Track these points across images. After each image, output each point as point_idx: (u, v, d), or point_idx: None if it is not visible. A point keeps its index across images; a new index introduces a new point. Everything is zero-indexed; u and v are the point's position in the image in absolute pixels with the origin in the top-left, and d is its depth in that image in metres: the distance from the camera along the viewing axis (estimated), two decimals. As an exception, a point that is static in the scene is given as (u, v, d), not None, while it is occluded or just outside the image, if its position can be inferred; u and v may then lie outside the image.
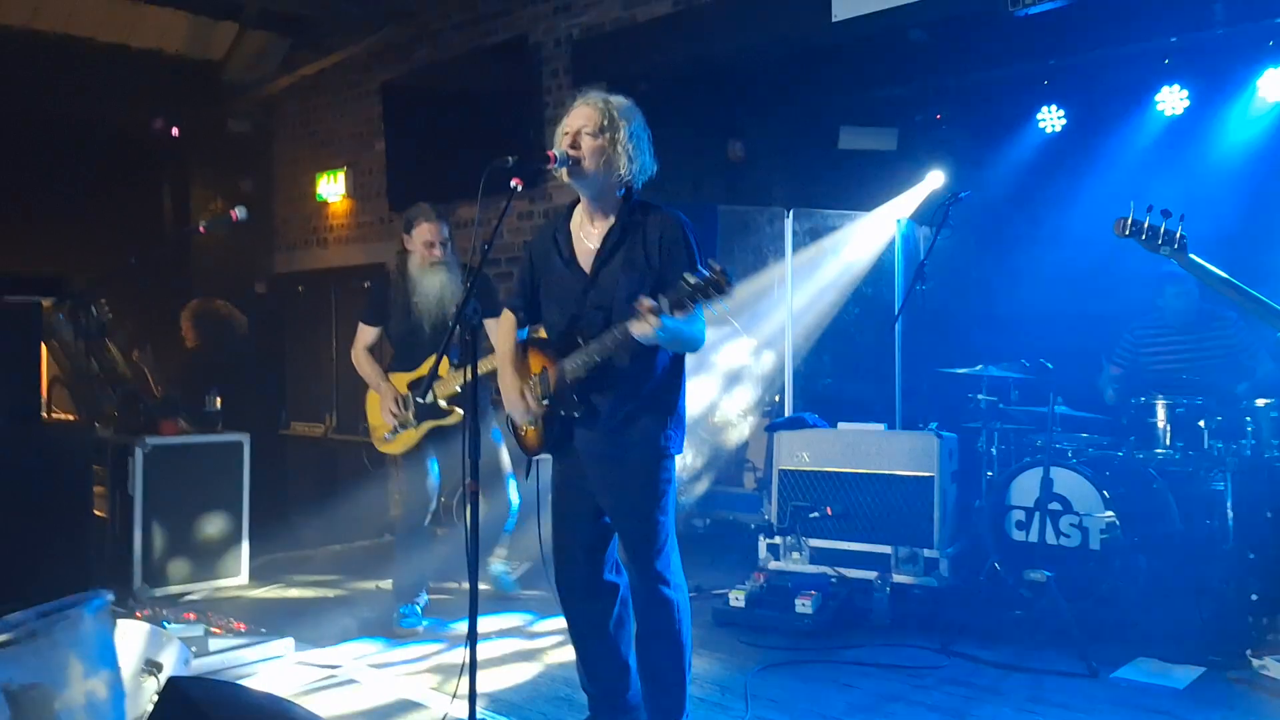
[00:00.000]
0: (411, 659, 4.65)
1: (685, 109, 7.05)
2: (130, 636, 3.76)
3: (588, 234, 3.37)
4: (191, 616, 4.56)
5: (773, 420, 6.31)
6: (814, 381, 7.11)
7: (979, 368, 5.60)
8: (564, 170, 3.25)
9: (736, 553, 6.28)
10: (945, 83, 6.89)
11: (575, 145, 3.24)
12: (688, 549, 3.52)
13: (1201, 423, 5.04)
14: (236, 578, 5.91)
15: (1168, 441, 5.14)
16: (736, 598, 5.08)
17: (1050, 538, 5.08)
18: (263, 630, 4.60)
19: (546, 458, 3.55)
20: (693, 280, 2.92)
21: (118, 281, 6.14)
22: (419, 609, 5.18)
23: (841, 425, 5.80)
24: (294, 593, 5.91)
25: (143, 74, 9.04)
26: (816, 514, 5.53)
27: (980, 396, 5.87)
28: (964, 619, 4.89)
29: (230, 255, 9.80)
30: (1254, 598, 4.59)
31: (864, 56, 6.47)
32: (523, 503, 5.49)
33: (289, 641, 4.61)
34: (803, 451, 5.66)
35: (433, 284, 5.04)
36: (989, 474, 5.82)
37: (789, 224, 7.01)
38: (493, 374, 4.85)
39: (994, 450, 5.85)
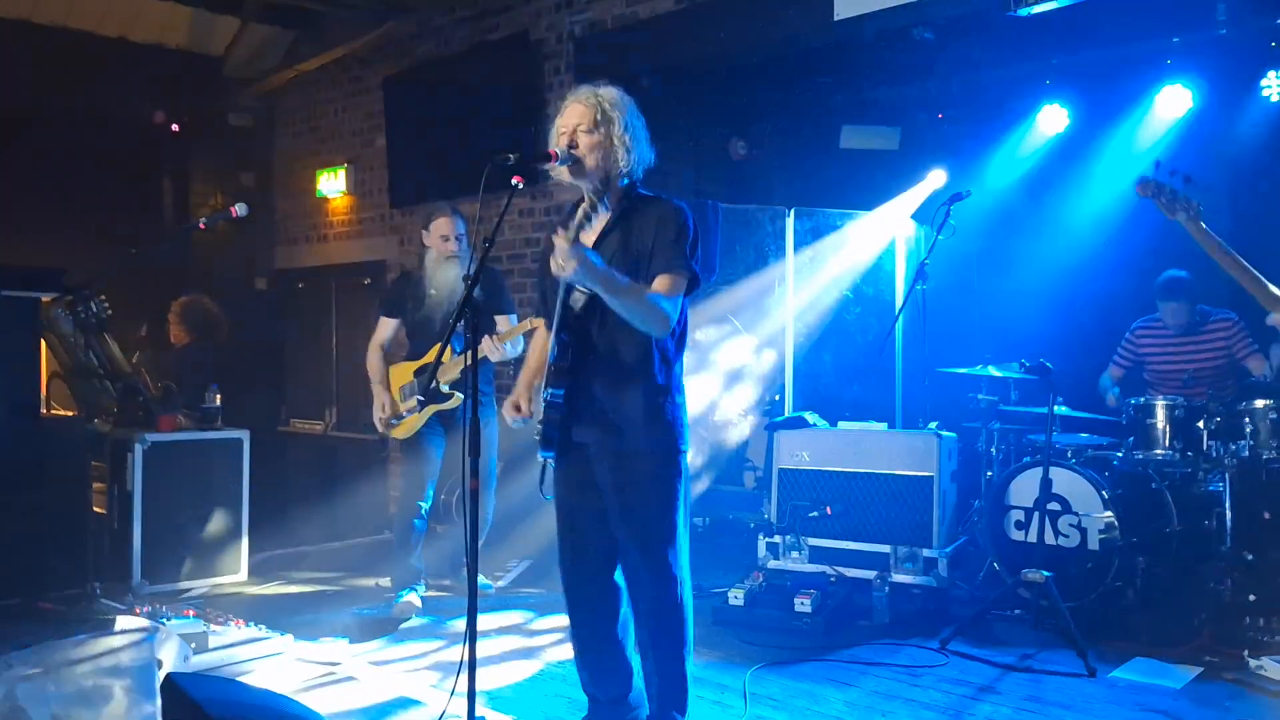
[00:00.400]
0: (410, 656, 4.66)
1: (687, 107, 7.05)
2: (129, 633, 3.76)
3: (590, 227, 3.38)
4: (190, 613, 4.55)
5: (773, 419, 6.31)
6: (814, 380, 7.11)
7: (979, 368, 5.61)
8: (565, 168, 3.26)
9: (736, 551, 6.29)
10: (947, 82, 6.89)
11: (573, 143, 3.25)
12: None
13: (1200, 424, 5.04)
14: (235, 574, 5.91)
15: (1166, 442, 5.14)
16: (736, 596, 5.09)
17: (1049, 538, 5.09)
18: (261, 627, 4.60)
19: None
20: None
21: (117, 277, 6.14)
22: (415, 591, 5.37)
23: (841, 424, 5.80)
24: (293, 589, 5.91)
25: (143, 68, 9.03)
26: (816, 513, 5.53)
27: (980, 396, 5.88)
28: (963, 618, 4.90)
29: (230, 251, 9.81)
30: (1251, 598, 4.60)
31: (866, 55, 6.47)
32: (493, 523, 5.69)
33: (288, 638, 4.61)
34: (803, 451, 5.66)
35: (447, 276, 5.29)
36: (988, 474, 5.83)
37: (790, 223, 7.01)
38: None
39: (993, 450, 5.85)
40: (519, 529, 5.95)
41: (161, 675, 3.58)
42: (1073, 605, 4.65)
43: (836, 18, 5.65)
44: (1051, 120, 6.71)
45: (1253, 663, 4.25)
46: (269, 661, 4.44)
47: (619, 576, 3.48)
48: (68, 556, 5.32)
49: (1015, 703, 4.04)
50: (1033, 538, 5.05)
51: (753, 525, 6.36)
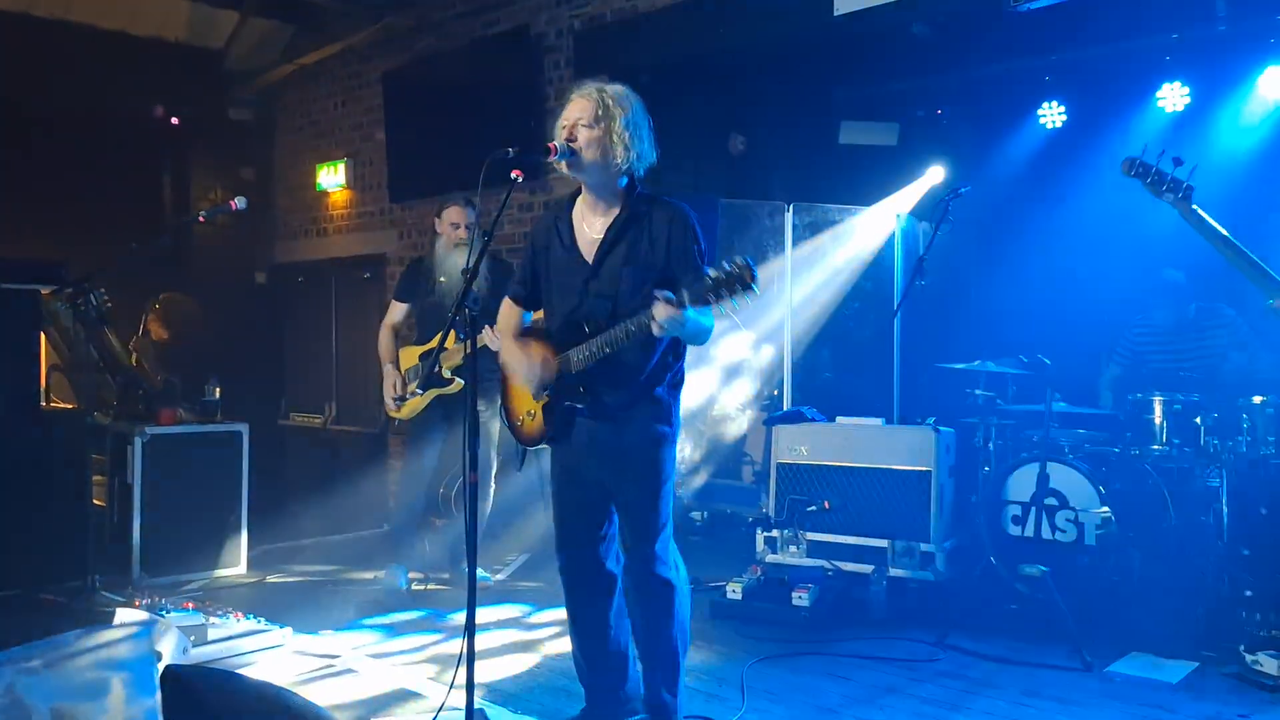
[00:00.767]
0: (409, 649, 4.67)
1: (687, 102, 7.04)
2: (129, 625, 3.77)
3: (590, 224, 3.39)
4: (190, 605, 4.57)
5: (771, 414, 6.32)
6: (813, 375, 7.11)
7: (977, 363, 5.61)
8: (564, 162, 3.27)
9: (734, 545, 6.29)
10: (946, 78, 6.89)
11: (573, 137, 3.25)
12: (685, 541, 3.54)
13: (1198, 419, 5.05)
14: (235, 567, 5.93)
15: (1164, 438, 5.15)
16: (733, 590, 5.10)
17: (1046, 533, 5.10)
18: (261, 619, 4.61)
19: (539, 449, 3.56)
20: (715, 274, 2.94)
21: (117, 270, 6.14)
22: (404, 571, 5.60)
23: (840, 419, 5.81)
24: (292, 582, 5.92)
25: (143, 61, 9.03)
26: (814, 507, 5.54)
27: (978, 392, 5.87)
28: (960, 613, 4.91)
29: (230, 244, 9.82)
30: (1248, 594, 4.60)
31: (865, 51, 6.47)
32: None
33: (287, 631, 4.63)
34: (801, 445, 5.67)
35: (455, 264, 5.43)
36: (986, 469, 5.83)
37: (789, 218, 7.01)
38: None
39: (991, 445, 5.85)
40: (518, 523, 5.97)
41: (161, 667, 3.60)
42: (1069, 600, 4.66)
43: (836, 13, 5.65)
44: (1050, 117, 6.72)
45: (1249, 658, 4.25)
46: (268, 654, 4.46)
47: (613, 565, 3.52)
48: (67, 549, 5.33)
49: (1012, 697, 4.05)
50: (1030, 533, 5.07)
51: (751, 519, 6.35)
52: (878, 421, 5.75)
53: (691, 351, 3.55)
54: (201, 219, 6.99)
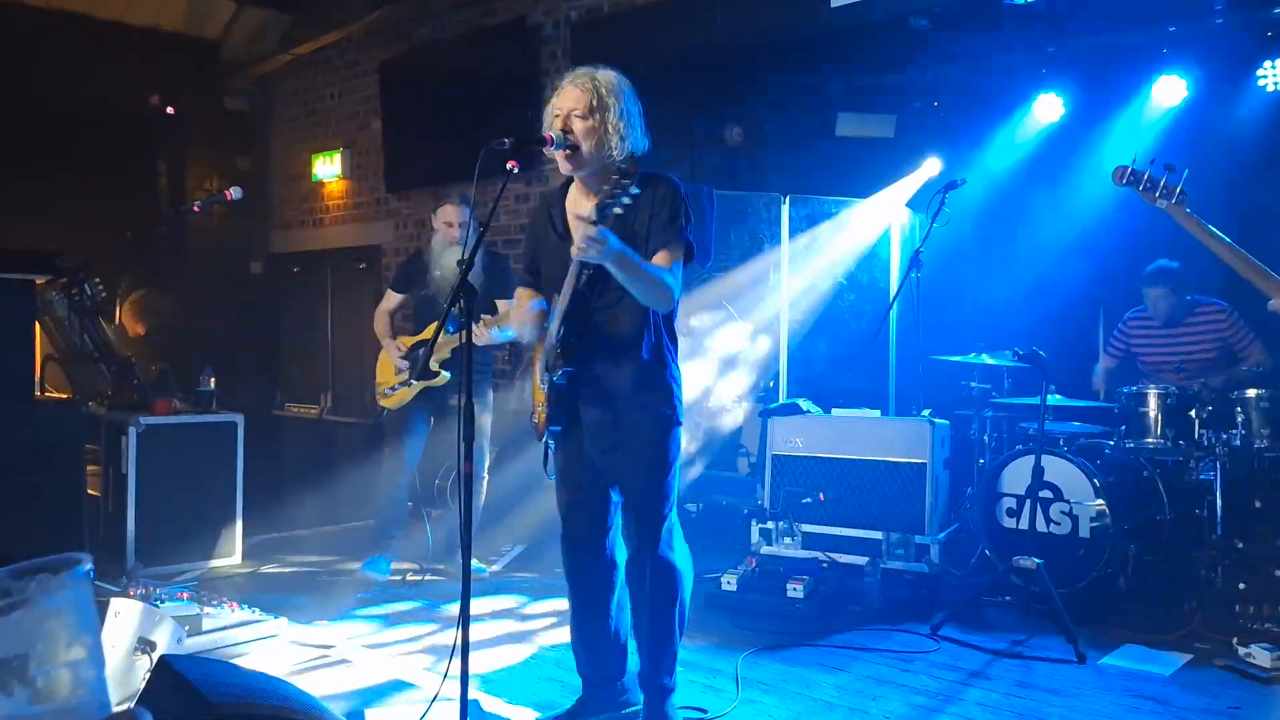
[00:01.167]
0: (404, 639, 4.67)
1: (684, 93, 7.04)
2: (123, 615, 3.77)
3: (582, 208, 3.38)
4: (185, 595, 4.56)
5: (767, 406, 6.32)
6: (808, 367, 7.11)
7: (973, 356, 5.62)
8: (559, 152, 3.26)
9: (729, 537, 6.30)
10: (943, 70, 6.88)
11: (568, 128, 3.24)
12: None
13: (1192, 412, 5.07)
14: (230, 557, 5.92)
15: (1158, 431, 5.16)
16: (728, 581, 5.11)
17: (1041, 525, 5.11)
18: (256, 610, 4.61)
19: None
20: (606, 184, 3.01)
21: (112, 259, 6.13)
22: (383, 562, 5.61)
23: (835, 411, 5.82)
24: (287, 572, 5.92)
25: (139, 51, 9.01)
26: (809, 499, 5.55)
27: (973, 384, 5.89)
28: (954, 604, 4.92)
29: (225, 234, 9.81)
30: (1241, 586, 4.62)
31: (862, 43, 6.46)
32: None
33: (282, 621, 4.63)
34: (796, 437, 5.68)
35: (450, 260, 5.50)
36: (981, 461, 5.85)
37: (785, 209, 7.01)
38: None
39: (986, 438, 5.87)
40: (514, 514, 5.97)
41: (155, 657, 3.60)
42: (1063, 592, 4.67)
43: (833, 4, 5.65)
44: (1047, 109, 6.71)
45: (1242, 650, 4.27)
46: (263, 644, 4.46)
47: (617, 554, 3.52)
48: (62, 539, 5.30)
49: (1005, 688, 4.07)
50: (1024, 525, 5.08)
51: (746, 511, 6.36)
52: (873, 413, 5.76)
53: (687, 342, 3.56)
54: (197, 209, 6.96)
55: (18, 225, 7.82)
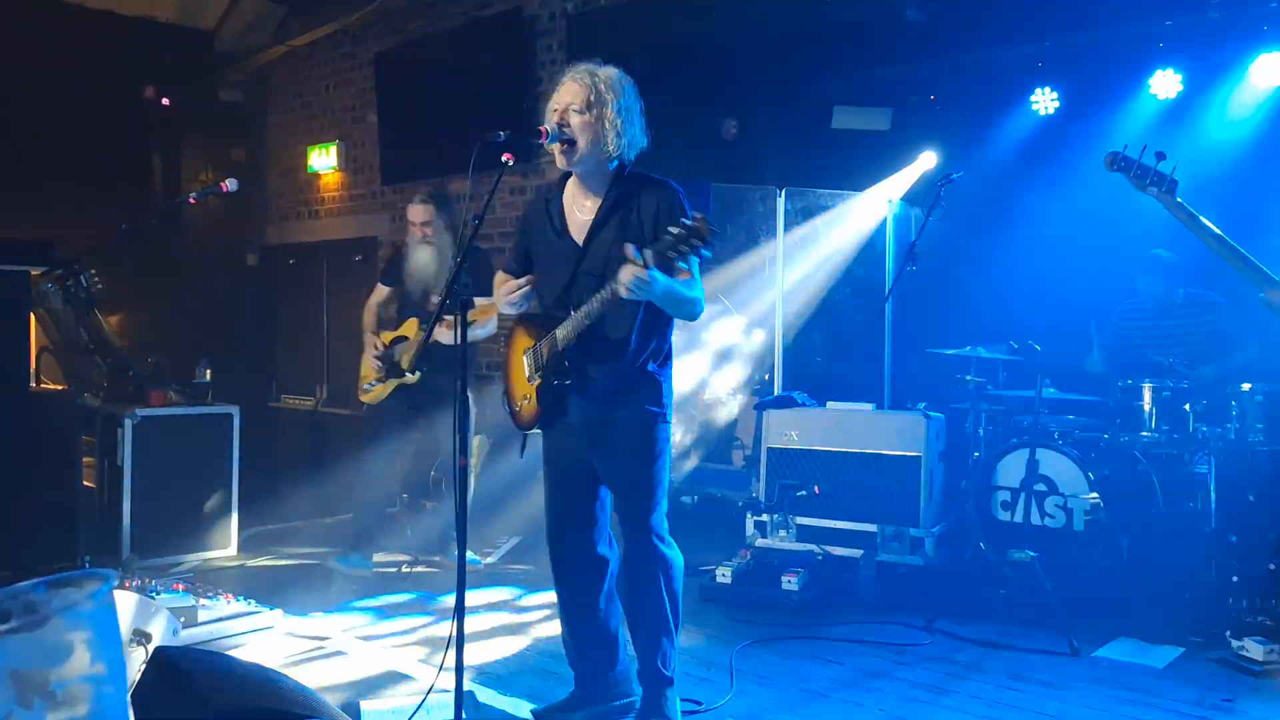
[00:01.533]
0: (399, 631, 4.68)
1: (680, 86, 7.02)
2: (119, 607, 3.77)
3: (580, 206, 3.39)
4: (180, 587, 4.57)
5: (762, 399, 6.33)
6: (804, 360, 7.12)
7: (968, 349, 5.62)
8: (555, 146, 3.26)
9: (724, 529, 6.30)
10: (939, 63, 6.87)
11: (565, 122, 3.24)
12: (674, 525, 3.54)
13: (1187, 406, 5.07)
14: (226, 549, 5.93)
15: (1153, 424, 5.16)
16: (723, 574, 5.12)
17: (1035, 518, 5.12)
18: (251, 601, 4.62)
19: (537, 434, 3.56)
20: (675, 230, 2.95)
21: (107, 251, 6.12)
22: (356, 559, 5.59)
23: (830, 404, 5.82)
24: (283, 564, 5.93)
25: (133, 42, 8.97)
26: (804, 492, 5.56)
27: (968, 378, 5.88)
28: (948, 597, 4.93)
29: (221, 226, 9.78)
30: (1234, 580, 4.63)
31: (859, 36, 6.45)
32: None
33: (277, 613, 4.63)
34: (791, 430, 5.68)
35: (418, 258, 5.58)
36: (975, 454, 5.85)
37: (781, 203, 7.01)
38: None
39: (981, 431, 5.87)
40: (508, 506, 5.98)
41: (151, 649, 3.60)
42: (1057, 585, 4.69)
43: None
44: (1043, 103, 6.71)
45: (1235, 643, 4.28)
46: (258, 636, 4.47)
47: (604, 548, 3.53)
48: (57, 531, 5.31)
49: (999, 681, 4.08)
50: (1019, 518, 5.09)
51: (741, 504, 6.37)
52: (868, 407, 5.76)
53: (682, 335, 3.56)
54: (192, 200, 6.94)
55: (12, 216, 7.80)
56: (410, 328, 5.59)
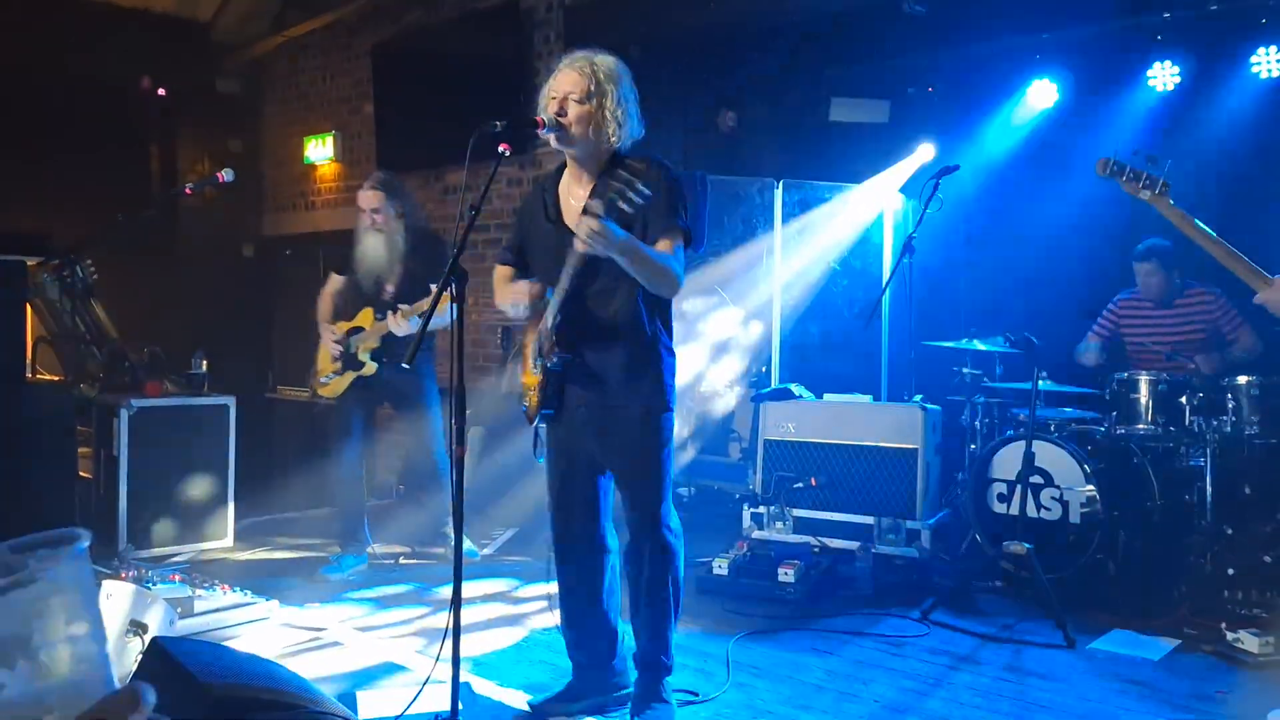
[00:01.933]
0: (396, 622, 4.68)
1: (677, 77, 7.02)
2: (115, 597, 3.77)
3: (574, 194, 3.38)
4: (176, 578, 4.57)
5: (759, 391, 6.33)
6: (801, 353, 7.12)
7: (964, 341, 5.63)
8: (552, 136, 3.25)
9: (720, 521, 6.31)
10: (937, 55, 6.87)
11: (562, 111, 3.23)
12: (671, 517, 3.54)
13: (1183, 399, 5.07)
14: (222, 540, 5.92)
15: (1149, 417, 5.17)
16: (720, 566, 5.12)
17: (1031, 510, 5.12)
18: (247, 592, 4.62)
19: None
20: (615, 180, 2.98)
21: (103, 241, 6.11)
22: (348, 561, 5.46)
23: (827, 397, 5.83)
24: (279, 555, 5.93)
25: (130, 32, 8.94)
26: (800, 484, 5.56)
27: (965, 370, 5.90)
28: (944, 589, 4.94)
29: (218, 217, 9.77)
30: (1230, 572, 4.64)
31: (857, 27, 6.45)
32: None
33: (274, 604, 4.63)
34: (788, 422, 5.69)
35: (366, 246, 5.41)
36: (972, 447, 5.86)
37: (779, 195, 7.00)
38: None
39: (977, 423, 5.88)
40: (505, 497, 5.97)
41: (147, 639, 3.59)
42: (1053, 577, 4.70)
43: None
44: (1041, 95, 6.71)
45: (1230, 635, 4.29)
46: (255, 626, 4.46)
47: (608, 539, 3.53)
48: (53, 521, 5.27)
49: (995, 672, 4.09)
50: (1015, 510, 5.09)
51: (738, 496, 6.38)
52: (865, 399, 5.77)
53: (679, 327, 3.56)
54: (189, 191, 6.93)
55: (9, 207, 7.79)
56: (365, 318, 5.42)
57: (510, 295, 3.51)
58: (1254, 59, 5.94)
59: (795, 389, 5.95)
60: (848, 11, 5.92)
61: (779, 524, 5.59)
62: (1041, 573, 4.63)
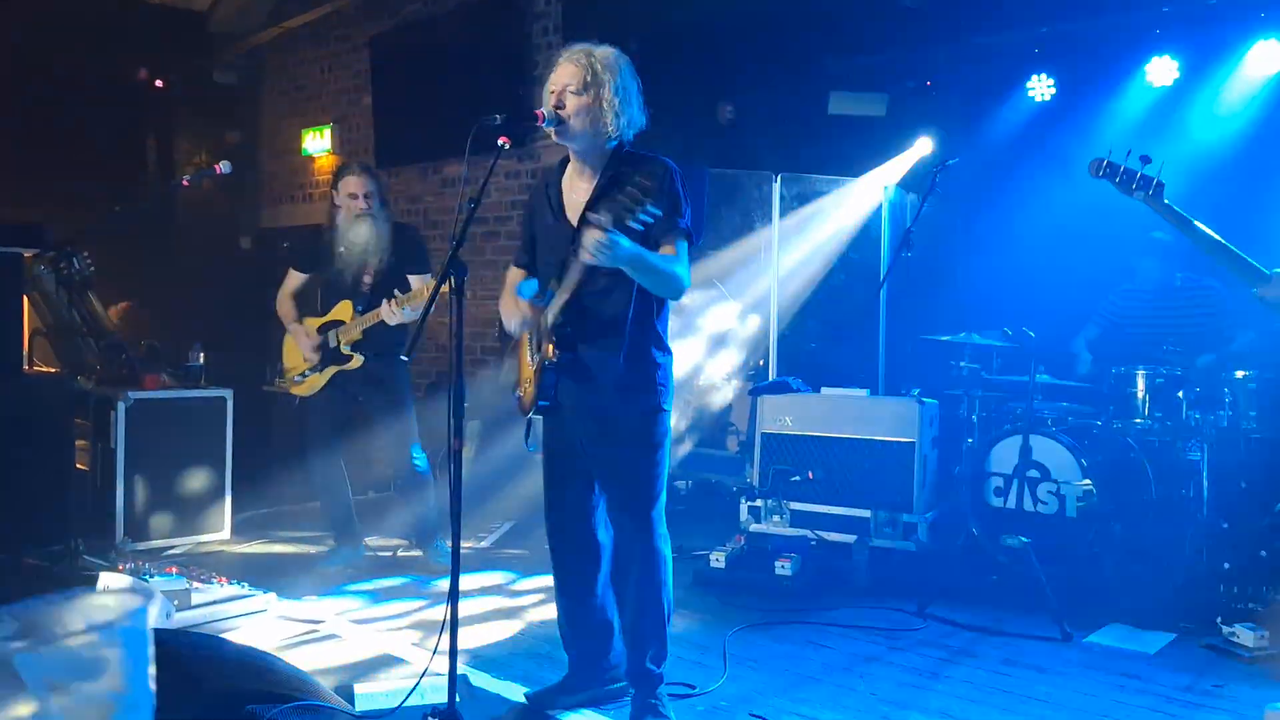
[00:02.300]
0: (393, 615, 4.68)
1: (675, 70, 7.00)
2: (112, 590, 3.77)
3: (576, 188, 3.38)
4: (174, 570, 4.57)
5: (756, 384, 6.33)
6: (798, 346, 7.13)
7: (962, 335, 5.63)
8: (552, 129, 3.24)
9: (718, 514, 6.32)
10: (936, 49, 6.86)
11: (561, 104, 3.22)
12: (669, 510, 3.54)
13: (1180, 393, 5.08)
14: (219, 532, 5.93)
15: (1146, 411, 5.17)
16: (717, 559, 5.13)
17: (1028, 504, 5.12)
18: (245, 585, 4.62)
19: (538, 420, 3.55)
20: (629, 189, 2.97)
21: (101, 233, 6.11)
22: (344, 554, 5.44)
23: (824, 390, 5.83)
24: (276, 548, 5.93)
25: (126, 24, 8.92)
26: (798, 477, 5.57)
27: (962, 364, 5.89)
28: (941, 583, 4.93)
29: (215, 209, 9.76)
30: (1226, 566, 4.65)
31: (855, 21, 6.44)
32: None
33: (271, 596, 4.64)
34: (785, 415, 5.69)
35: (358, 235, 5.18)
36: (969, 441, 5.85)
37: (777, 188, 7.00)
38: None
39: (974, 417, 5.87)
40: (502, 491, 5.98)
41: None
42: (1050, 571, 4.69)
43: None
44: (1039, 89, 6.70)
45: (1226, 629, 4.30)
46: (252, 619, 4.47)
47: (603, 534, 3.52)
48: (50, 513, 5.31)
49: (991, 666, 4.09)
50: (1012, 504, 5.09)
51: (735, 489, 6.39)
52: (862, 392, 5.76)
53: (677, 320, 3.56)
54: (186, 183, 6.90)
55: (5, 199, 7.77)
56: (344, 310, 5.25)
57: (510, 310, 3.50)
58: (1252, 54, 5.93)
59: (793, 382, 5.96)
60: (847, 4, 5.91)
61: (776, 517, 5.59)
62: (1038, 566, 4.64)
